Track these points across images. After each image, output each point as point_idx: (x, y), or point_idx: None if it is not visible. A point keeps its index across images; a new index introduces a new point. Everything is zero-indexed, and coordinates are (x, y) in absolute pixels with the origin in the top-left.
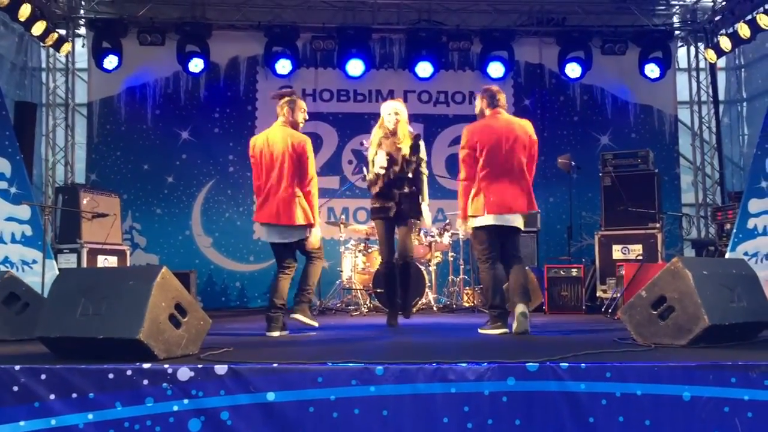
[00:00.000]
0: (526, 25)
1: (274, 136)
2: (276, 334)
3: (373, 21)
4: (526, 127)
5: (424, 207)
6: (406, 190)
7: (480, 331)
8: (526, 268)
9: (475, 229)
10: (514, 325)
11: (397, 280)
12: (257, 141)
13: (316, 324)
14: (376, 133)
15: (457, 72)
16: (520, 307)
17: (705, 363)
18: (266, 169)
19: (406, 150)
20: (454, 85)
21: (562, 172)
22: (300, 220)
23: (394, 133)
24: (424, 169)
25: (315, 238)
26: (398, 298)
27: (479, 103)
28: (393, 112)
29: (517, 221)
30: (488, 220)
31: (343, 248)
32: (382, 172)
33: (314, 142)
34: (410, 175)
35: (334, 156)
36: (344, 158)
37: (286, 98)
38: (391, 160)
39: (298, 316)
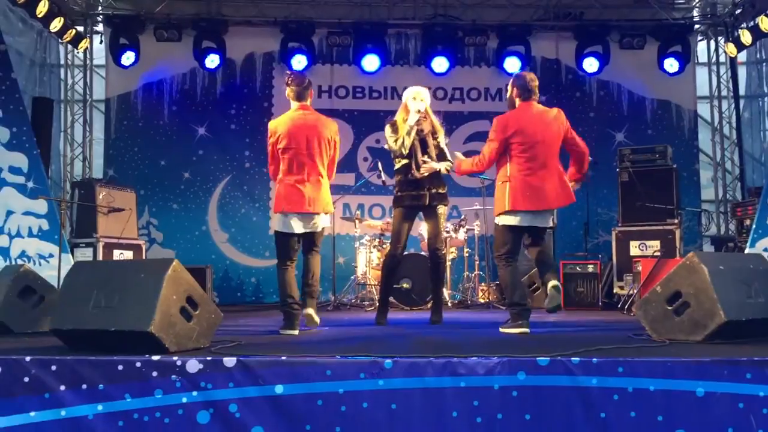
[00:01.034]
0: (543, 19)
1: (303, 120)
2: (297, 332)
3: (389, 16)
4: (558, 116)
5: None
6: (435, 175)
7: (501, 330)
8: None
9: (504, 226)
10: (546, 301)
11: (396, 275)
12: (279, 125)
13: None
14: (401, 117)
15: (472, 68)
16: (553, 281)
17: (719, 358)
18: (298, 154)
19: (438, 131)
20: (469, 81)
21: None
22: (330, 207)
23: (423, 117)
24: (450, 158)
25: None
26: (391, 296)
27: (510, 91)
28: (418, 97)
29: (550, 221)
30: (519, 221)
31: (358, 244)
32: (413, 132)
33: None
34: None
35: (349, 153)
36: (359, 155)
37: (307, 81)
38: (423, 143)
39: (312, 311)
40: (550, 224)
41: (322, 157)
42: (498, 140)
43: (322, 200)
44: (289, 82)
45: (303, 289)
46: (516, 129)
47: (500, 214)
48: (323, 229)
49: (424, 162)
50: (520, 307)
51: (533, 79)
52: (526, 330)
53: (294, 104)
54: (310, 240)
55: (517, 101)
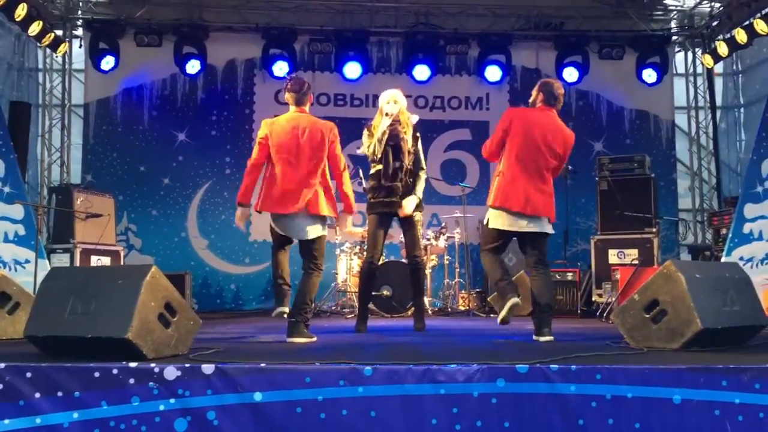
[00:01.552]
0: (524, 29)
1: (296, 123)
2: (287, 309)
3: (371, 24)
4: (570, 137)
5: (412, 197)
6: (409, 182)
7: (498, 320)
8: (523, 272)
9: (491, 228)
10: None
11: (374, 281)
12: (274, 125)
13: (314, 338)
14: (376, 122)
15: (453, 77)
16: (545, 337)
17: (696, 366)
18: (288, 156)
19: (409, 139)
20: (450, 90)
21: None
22: (321, 210)
23: (396, 120)
24: (423, 164)
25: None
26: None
27: (535, 95)
28: (392, 100)
29: (546, 226)
30: (504, 223)
31: (339, 251)
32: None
33: None
34: (411, 166)
35: None
36: None
37: (306, 86)
38: (396, 148)
39: (298, 339)
40: (545, 230)
41: (314, 160)
42: (502, 128)
43: (311, 202)
44: (289, 87)
45: (295, 311)
46: (524, 123)
47: (490, 208)
48: (317, 239)
49: (400, 206)
50: (504, 282)
51: (560, 88)
52: (517, 300)
53: (292, 108)
54: (303, 250)
55: (539, 104)
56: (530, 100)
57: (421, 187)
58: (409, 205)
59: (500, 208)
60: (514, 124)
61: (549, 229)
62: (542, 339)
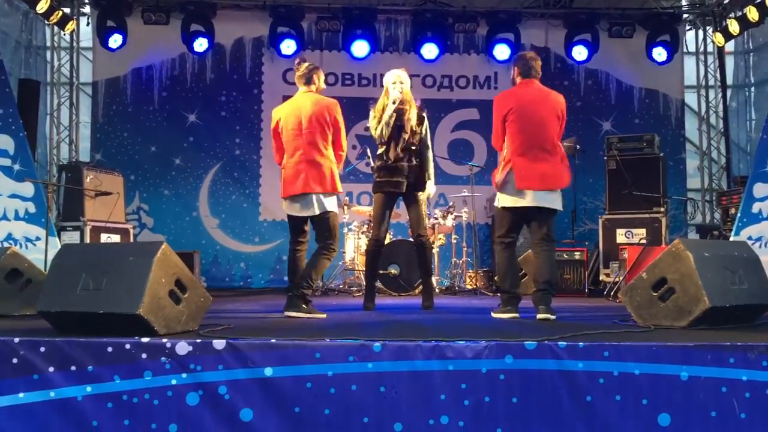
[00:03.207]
0: (533, 7)
1: (298, 102)
2: (295, 313)
3: (379, 2)
4: (559, 99)
5: (430, 183)
6: (414, 162)
7: (492, 314)
8: (530, 251)
9: (502, 208)
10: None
11: (380, 259)
12: (279, 111)
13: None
14: (381, 103)
15: (462, 55)
16: (542, 314)
17: (703, 343)
18: (293, 136)
19: (413, 118)
20: (458, 69)
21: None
22: (329, 186)
23: (401, 101)
24: (429, 144)
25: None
26: (375, 281)
27: (513, 72)
28: (398, 81)
29: (556, 202)
30: (517, 201)
31: (347, 230)
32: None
33: None
34: (416, 146)
35: None
36: (348, 143)
37: (311, 66)
38: (400, 128)
39: (294, 313)
40: (554, 206)
41: (317, 136)
42: (497, 119)
43: (317, 179)
44: (295, 67)
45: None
46: (512, 106)
47: (498, 193)
48: (328, 214)
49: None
50: (509, 294)
51: (533, 58)
52: (516, 315)
53: (300, 89)
54: (315, 228)
55: (518, 80)
56: (511, 79)
57: (432, 168)
58: (430, 187)
59: (506, 191)
60: (506, 108)
61: (558, 205)
62: (539, 316)
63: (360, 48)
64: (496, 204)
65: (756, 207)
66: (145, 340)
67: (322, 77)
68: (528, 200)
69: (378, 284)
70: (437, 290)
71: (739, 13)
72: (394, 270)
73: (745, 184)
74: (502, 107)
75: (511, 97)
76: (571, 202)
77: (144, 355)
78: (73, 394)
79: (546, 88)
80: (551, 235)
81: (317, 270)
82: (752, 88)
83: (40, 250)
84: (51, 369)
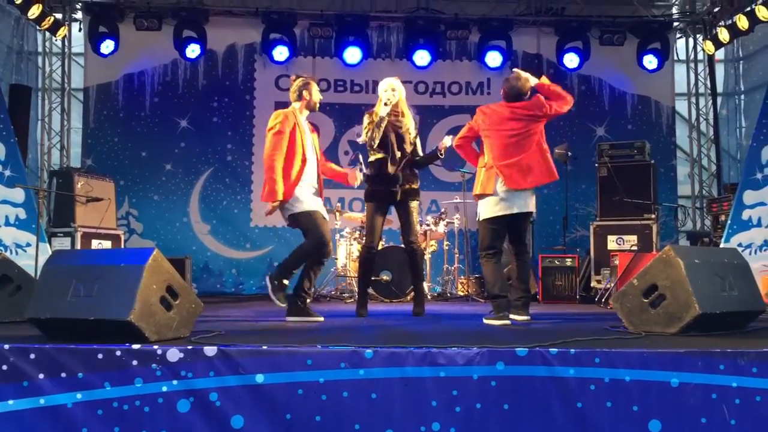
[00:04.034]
0: (525, 14)
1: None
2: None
3: (372, 8)
4: (529, 104)
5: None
6: (408, 171)
7: (485, 321)
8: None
9: (484, 221)
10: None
11: (372, 267)
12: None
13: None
14: (377, 110)
15: (454, 62)
16: (526, 317)
17: (694, 350)
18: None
19: (411, 129)
20: (450, 75)
21: (557, 162)
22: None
23: (396, 112)
24: (419, 149)
25: None
26: (369, 288)
27: (502, 91)
28: (390, 89)
29: (530, 205)
30: (497, 209)
31: (338, 236)
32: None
33: None
34: (409, 156)
35: (330, 146)
36: (341, 149)
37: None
38: (398, 137)
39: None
40: (530, 209)
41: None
42: (469, 125)
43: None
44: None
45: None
46: (484, 117)
47: (480, 202)
48: (292, 217)
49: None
50: (501, 299)
51: (518, 78)
52: (508, 322)
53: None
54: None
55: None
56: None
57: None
58: (446, 139)
59: (485, 197)
60: (482, 119)
61: (532, 206)
62: (523, 319)
63: (352, 54)
64: (477, 219)
65: (746, 214)
66: (135, 346)
67: (314, 90)
68: (503, 206)
69: (370, 290)
70: (429, 297)
71: (729, 22)
72: (386, 276)
73: (735, 191)
74: (477, 119)
75: (486, 110)
76: (562, 208)
77: (135, 362)
78: (63, 401)
79: (524, 102)
80: (524, 240)
81: (297, 253)
82: (742, 96)
83: (30, 257)
84: (41, 376)
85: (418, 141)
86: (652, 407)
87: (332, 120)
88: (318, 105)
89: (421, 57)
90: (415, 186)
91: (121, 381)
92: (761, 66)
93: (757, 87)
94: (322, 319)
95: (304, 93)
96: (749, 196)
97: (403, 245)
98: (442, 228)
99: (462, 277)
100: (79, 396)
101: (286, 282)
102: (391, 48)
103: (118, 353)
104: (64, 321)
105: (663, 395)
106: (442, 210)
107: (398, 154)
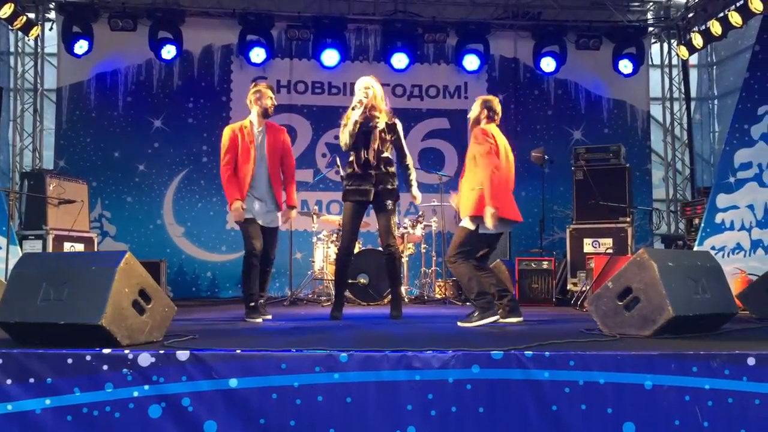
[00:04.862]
0: (502, 18)
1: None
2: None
3: (349, 11)
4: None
5: (414, 186)
6: (384, 170)
7: (472, 324)
8: (499, 260)
9: (478, 233)
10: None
11: (349, 269)
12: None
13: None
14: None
15: (431, 65)
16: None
17: (667, 352)
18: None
19: (382, 125)
20: (428, 78)
21: (534, 166)
22: None
23: (371, 108)
24: (407, 151)
25: None
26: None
27: (477, 112)
28: (364, 87)
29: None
30: (497, 227)
31: (315, 239)
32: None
33: (288, 135)
34: (387, 154)
35: (307, 149)
36: (318, 151)
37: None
38: (368, 135)
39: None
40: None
41: None
42: (490, 145)
43: None
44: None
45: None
46: (496, 140)
47: (476, 217)
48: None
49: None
50: (485, 296)
51: (498, 104)
52: (497, 317)
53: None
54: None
55: (484, 121)
56: (472, 116)
57: (414, 175)
58: (418, 194)
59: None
60: (495, 141)
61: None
62: (517, 320)
63: (330, 57)
64: (467, 226)
65: (719, 217)
66: (106, 351)
67: (265, 97)
68: (502, 227)
69: (347, 293)
70: (406, 299)
71: (703, 27)
72: (363, 279)
73: (709, 194)
74: (494, 139)
75: (496, 133)
76: (540, 211)
77: (105, 367)
78: (32, 407)
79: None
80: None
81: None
82: (715, 101)
83: (0, 260)
84: (8, 381)
85: (400, 139)
86: (626, 409)
87: (310, 122)
88: (272, 109)
89: (399, 60)
90: (391, 186)
91: (91, 386)
92: (733, 71)
93: (729, 92)
94: (260, 320)
95: (255, 101)
96: (722, 200)
97: (380, 248)
98: (419, 231)
99: (439, 280)
100: (47, 402)
101: (252, 304)
102: (368, 50)
103: (88, 358)
104: (33, 325)
105: (637, 397)
106: (420, 212)
107: (371, 153)
